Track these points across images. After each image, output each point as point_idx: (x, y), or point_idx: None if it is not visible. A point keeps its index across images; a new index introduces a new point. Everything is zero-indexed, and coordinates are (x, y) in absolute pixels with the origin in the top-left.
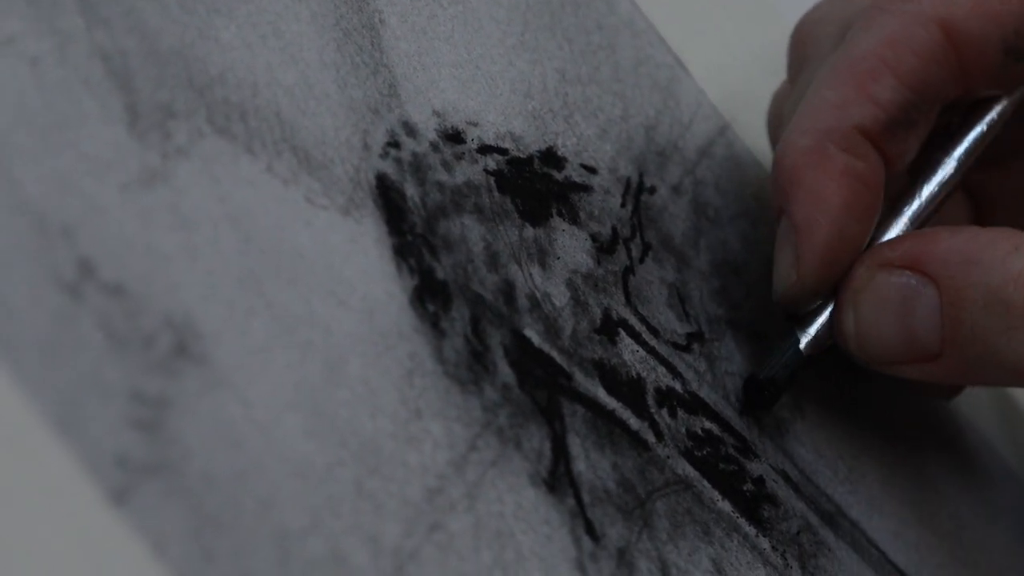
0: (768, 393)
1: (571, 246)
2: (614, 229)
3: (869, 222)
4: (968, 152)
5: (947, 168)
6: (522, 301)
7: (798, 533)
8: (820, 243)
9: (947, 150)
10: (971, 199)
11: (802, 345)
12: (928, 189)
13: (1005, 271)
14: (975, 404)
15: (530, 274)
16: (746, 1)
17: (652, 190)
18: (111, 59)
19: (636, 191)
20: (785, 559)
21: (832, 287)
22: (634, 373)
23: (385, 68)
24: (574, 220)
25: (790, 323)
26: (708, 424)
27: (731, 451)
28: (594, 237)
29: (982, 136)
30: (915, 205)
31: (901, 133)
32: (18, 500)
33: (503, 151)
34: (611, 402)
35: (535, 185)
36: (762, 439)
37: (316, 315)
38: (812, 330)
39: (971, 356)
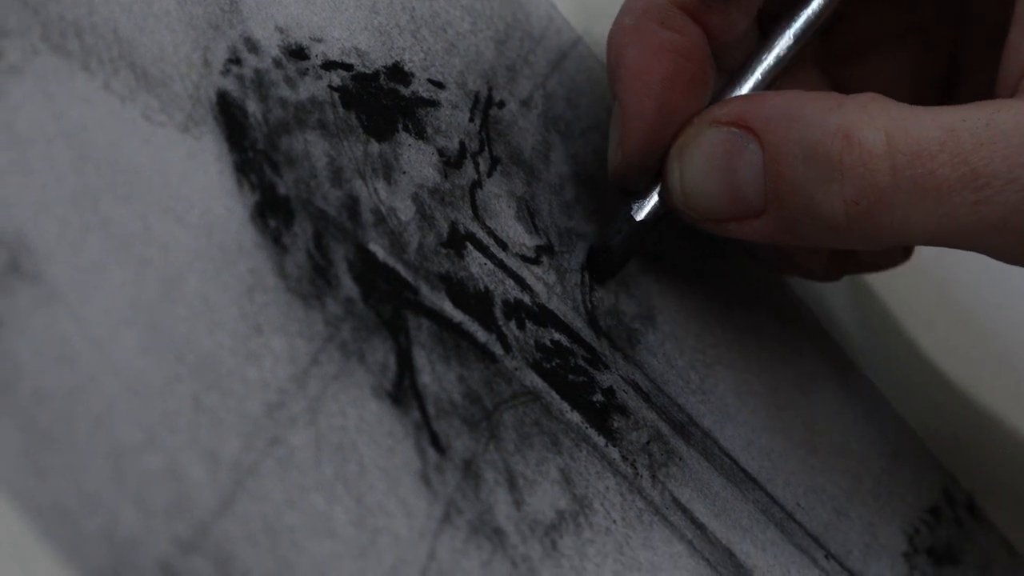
0: (604, 260)
1: (417, 161)
2: (462, 144)
3: (696, 94)
4: (807, 23)
5: (783, 40)
6: (367, 216)
7: (648, 443)
8: (641, 118)
9: (783, 22)
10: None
11: (634, 212)
12: (766, 61)
13: (824, 126)
14: (833, 314)
15: (375, 189)
16: None
17: (501, 104)
18: None
19: (485, 105)
20: (635, 468)
21: (661, 161)
22: (482, 286)
23: None
24: (420, 135)
25: (626, 197)
26: (557, 336)
27: (581, 362)
28: (441, 152)
29: (820, 8)
30: (752, 78)
31: (719, 5)
32: None
33: (348, 67)
34: (458, 315)
35: (381, 101)
36: (613, 351)
37: (153, 232)
38: (645, 198)
39: (792, 210)
